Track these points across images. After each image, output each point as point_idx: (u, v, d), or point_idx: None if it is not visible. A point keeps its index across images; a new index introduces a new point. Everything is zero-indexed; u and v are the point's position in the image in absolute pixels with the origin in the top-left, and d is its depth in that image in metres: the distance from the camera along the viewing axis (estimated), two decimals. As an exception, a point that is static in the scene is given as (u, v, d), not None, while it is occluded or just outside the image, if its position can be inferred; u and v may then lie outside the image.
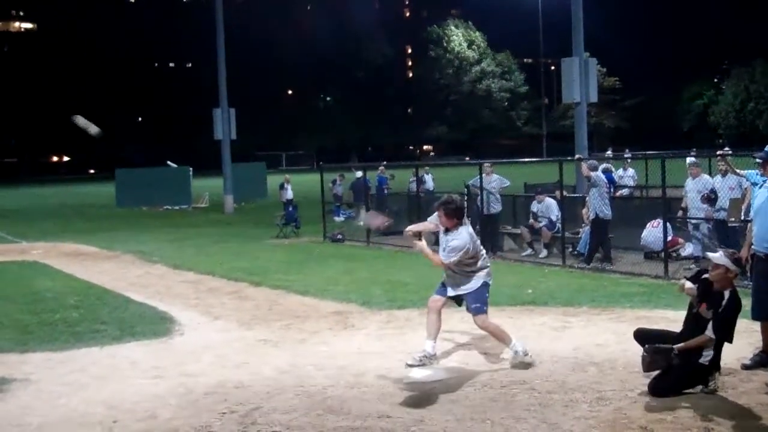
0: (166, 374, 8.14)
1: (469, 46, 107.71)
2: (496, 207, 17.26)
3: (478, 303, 7.84)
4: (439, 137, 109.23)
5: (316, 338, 9.56)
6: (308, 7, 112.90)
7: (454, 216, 7.82)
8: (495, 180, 17.34)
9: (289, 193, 25.37)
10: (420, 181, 22.17)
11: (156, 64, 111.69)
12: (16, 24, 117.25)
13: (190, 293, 13.33)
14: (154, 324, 10.69)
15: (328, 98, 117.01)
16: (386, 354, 8.60)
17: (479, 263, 7.87)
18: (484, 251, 8.08)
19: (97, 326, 10.62)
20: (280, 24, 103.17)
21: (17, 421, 6.83)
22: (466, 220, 7.98)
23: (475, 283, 7.83)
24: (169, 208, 36.04)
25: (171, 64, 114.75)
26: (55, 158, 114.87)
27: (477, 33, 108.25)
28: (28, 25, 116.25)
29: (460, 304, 8.10)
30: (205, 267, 16.19)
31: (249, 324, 10.54)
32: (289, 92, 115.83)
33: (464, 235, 7.76)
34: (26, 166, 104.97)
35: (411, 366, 7.72)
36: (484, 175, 17.19)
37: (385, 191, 25.61)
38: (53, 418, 6.88)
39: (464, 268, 7.83)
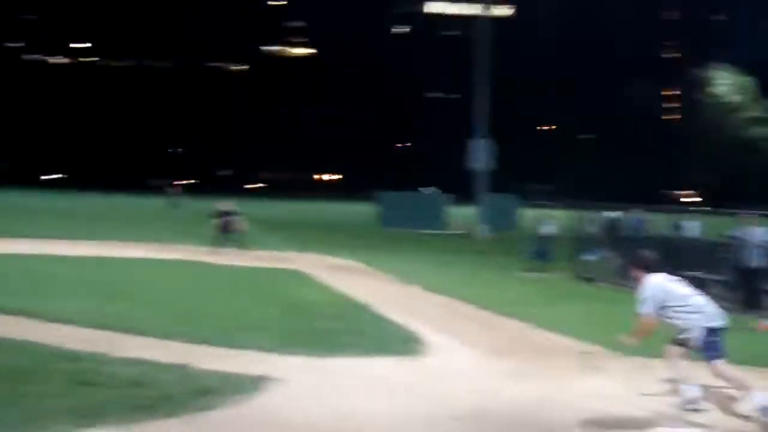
0: (415, 393, 8.44)
1: (736, 91, 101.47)
2: (760, 262, 16.22)
3: (707, 350, 7.70)
4: (699, 183, 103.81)
5: (561, 375, 9.56)
6: (569, 45, 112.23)
7: (638, 267, 8.34)
8: (760, 233, 16.34)
9: (549, 228, 25.09)
10: (678, 227, 21.35)
11: (418, 93, 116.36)
12: (295, 50, 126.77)
13: (441, 316, 13.71)
14: (405, 342, 11.04)
15: (586, 135, 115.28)
16: (631, 401, 8.45)
17: (687, 309, 7.83)
18: (695, 296, 7.99)
19: (352, 338, 11.07)
20: (540, 59, 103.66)
21: (278, 419, 7.35)
22: (658, 273, 8.18)
23: (695, 332, 7.74)
24: (426, 232, 37.12)
25: (433, 94, 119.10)
26: (323, 177, 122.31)
27: (745, 78, 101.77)
28: (308, 51, 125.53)
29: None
30: (456, 292, 16.50)
31: (496, 353, 10.69)
32: (546, 127, 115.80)
33: (645, 285, 8.07)
34: (298, 181, 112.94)
35: (684, 411, 7.84)
36: (746, 226, 16.28)
37: (640, 234, 24.85)
38: (313, 420, 7.35)
39: (673, 320, 7.92)
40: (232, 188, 72.15)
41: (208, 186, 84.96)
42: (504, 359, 10.34)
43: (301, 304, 14.20)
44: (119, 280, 16.11)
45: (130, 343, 10.05)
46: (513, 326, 12.93)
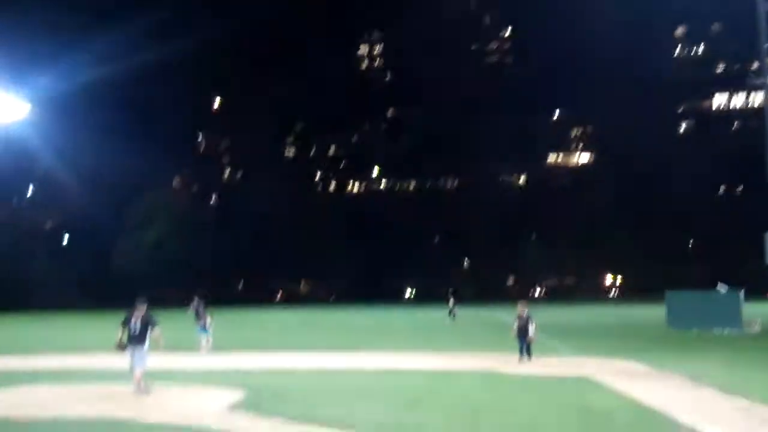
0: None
1: None
2: None
3: None
4: None
5: None
6: None
7: None
8: None
9: None
10: None
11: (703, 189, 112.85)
12: (575, 156, 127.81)
13: (740, 421, 13.18)
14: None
15: None
16: None
17: None
18: None
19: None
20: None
21: None
22: None
23: None
24: (720, 331, 35.30)
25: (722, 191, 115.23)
26: (608, 280, 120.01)
27: None
28: (588, 156, 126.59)
29: None
30: (757, 394, 15.74)
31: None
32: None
33: None
34: (583, 286, 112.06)
35: None
36: None
37: None
38: None
39: None
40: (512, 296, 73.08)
41: (491, 296, 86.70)
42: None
43: (593, 412, 14.20)
44: (410, 388, 17.13)
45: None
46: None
